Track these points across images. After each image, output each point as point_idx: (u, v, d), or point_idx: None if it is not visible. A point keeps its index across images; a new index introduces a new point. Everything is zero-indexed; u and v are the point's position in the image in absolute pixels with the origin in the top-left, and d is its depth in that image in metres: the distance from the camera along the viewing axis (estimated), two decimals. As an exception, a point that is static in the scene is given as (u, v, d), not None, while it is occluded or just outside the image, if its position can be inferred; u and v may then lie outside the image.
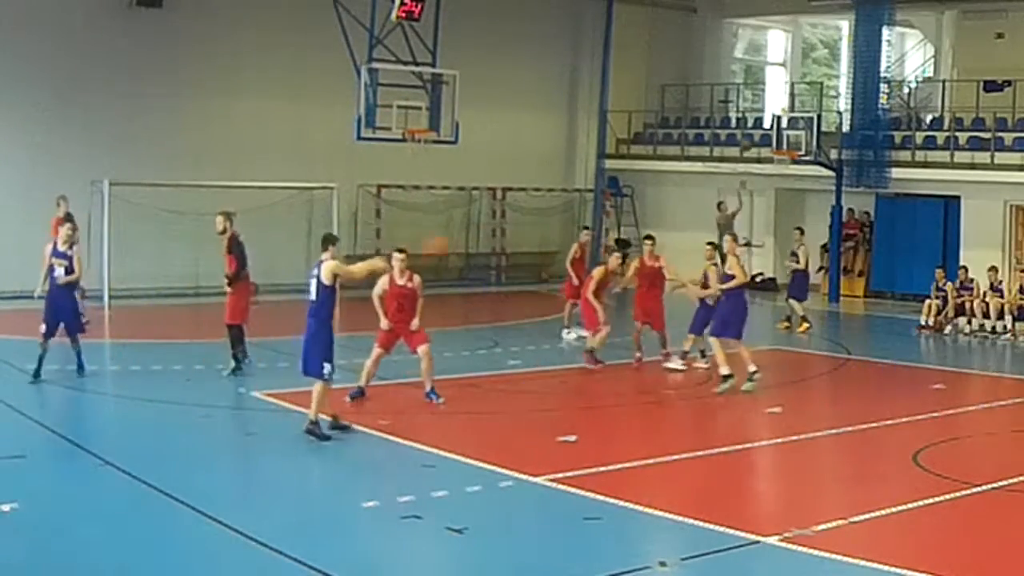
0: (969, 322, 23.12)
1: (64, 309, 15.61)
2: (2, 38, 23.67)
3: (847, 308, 27.31)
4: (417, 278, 14.81)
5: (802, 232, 24.55)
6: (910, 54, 33.92)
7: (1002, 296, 22.97)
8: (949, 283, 23.37)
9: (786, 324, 23.18)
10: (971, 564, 9.35)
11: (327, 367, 12.81)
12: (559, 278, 31.29)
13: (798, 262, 23.67)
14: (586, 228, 24.08)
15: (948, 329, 23.12)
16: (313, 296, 12.85)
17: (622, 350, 18.65)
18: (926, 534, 10.19)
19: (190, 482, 10.92)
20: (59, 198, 19.89)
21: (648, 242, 18.49)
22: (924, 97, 30.10)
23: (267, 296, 18.44)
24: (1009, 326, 22.61)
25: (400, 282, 14.57)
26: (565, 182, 32.63)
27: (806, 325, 22.97)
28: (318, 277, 12.84)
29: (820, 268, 29.87)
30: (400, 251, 14.71)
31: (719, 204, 28.85)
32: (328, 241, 13.34)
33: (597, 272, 17.98)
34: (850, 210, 28.70)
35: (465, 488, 11.03)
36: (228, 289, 16.42)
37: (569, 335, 20.30)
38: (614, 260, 18.42)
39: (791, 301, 23.34)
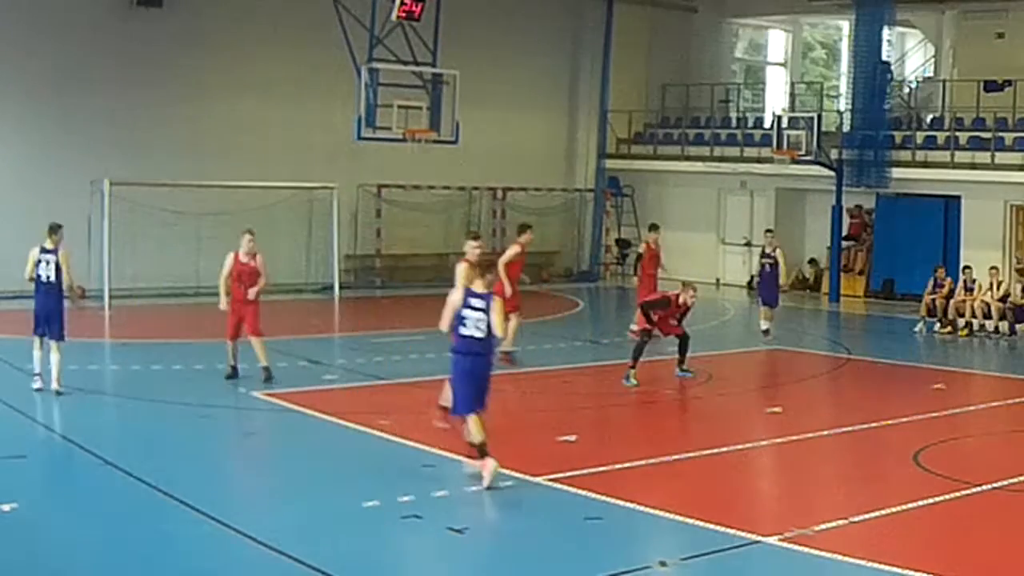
0: (969, 322, 23.11)
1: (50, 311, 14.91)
2: (3, 37, 23.68)
3: (847, 308, 27.29)
4: (260, 257, 15.62)
5: (530, 228, 19.51)
6: (910, 54, 33.94)
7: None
8: (949, 279, 23.32)
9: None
10: (971, 564, 9.35)
11: None
12: (562, 277, 31.50)
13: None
14: (527, 226, 19.56)
15: (948, 329, 23.10)
16: (483, 334, 10.94)
17: (623, 350, 18.65)
18: (926, 534, 10.18)
19: (190, 482, 10.92)
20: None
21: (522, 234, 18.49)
22: (924, 97, 30.13)
23: (268, 296, 18.40)
24: (1009, 326, 22.61)
25: (243, 260, 15.49)
26: (565, 182, 32.64)
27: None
28: (487, 311, 10.88)
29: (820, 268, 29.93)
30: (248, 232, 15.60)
31: None
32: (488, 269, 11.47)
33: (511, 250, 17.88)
34: (857, 207, 28.70)
35: (465, 488, 11.03)
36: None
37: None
38: (526, 237, 18.40)
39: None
